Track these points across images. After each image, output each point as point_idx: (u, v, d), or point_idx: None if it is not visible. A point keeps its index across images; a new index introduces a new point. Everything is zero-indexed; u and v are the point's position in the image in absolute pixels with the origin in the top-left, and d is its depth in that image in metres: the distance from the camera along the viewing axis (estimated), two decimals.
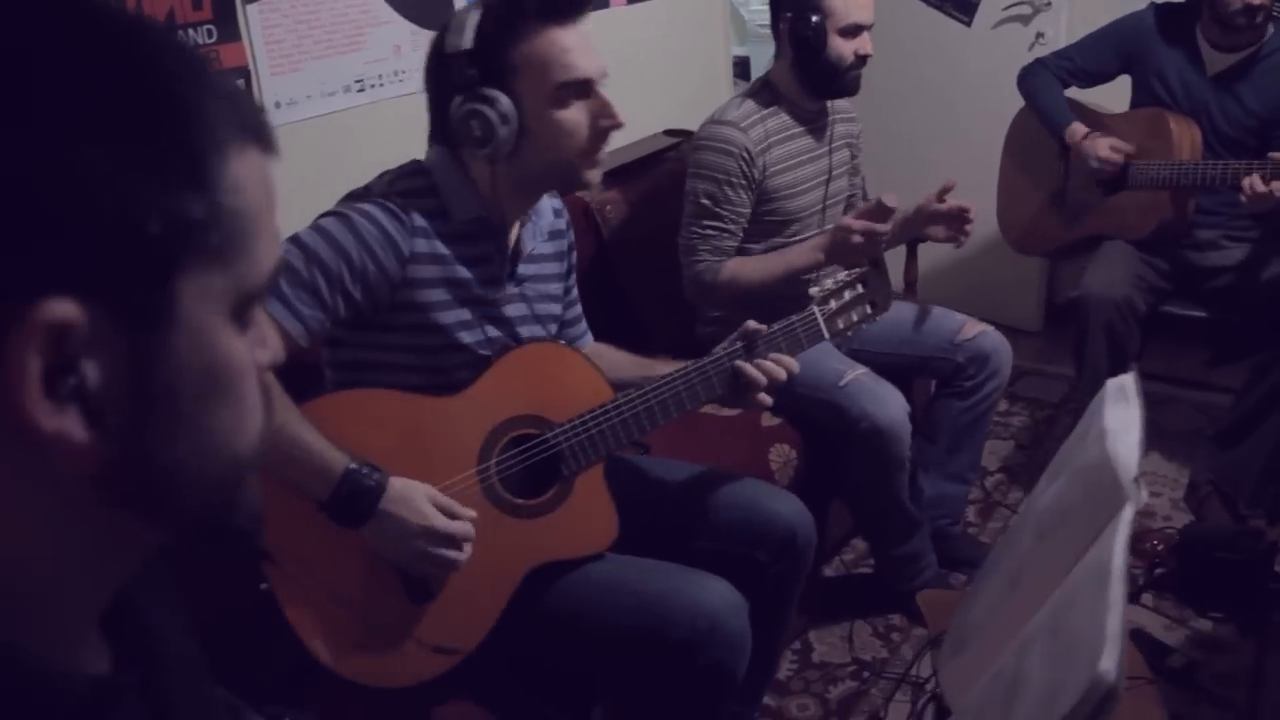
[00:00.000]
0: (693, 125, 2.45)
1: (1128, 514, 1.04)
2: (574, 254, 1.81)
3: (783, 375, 1.61)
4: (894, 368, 2.37)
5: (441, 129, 1.54)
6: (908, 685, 2.23)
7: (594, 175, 1.56)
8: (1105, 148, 2.67)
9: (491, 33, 1.45)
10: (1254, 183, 2.37)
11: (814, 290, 1.71)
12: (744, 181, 2.23)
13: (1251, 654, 2.08)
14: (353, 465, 1.39)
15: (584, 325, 1.87)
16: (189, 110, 0.51)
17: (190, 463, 0.53)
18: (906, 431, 2.23)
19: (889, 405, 2.21)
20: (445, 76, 1.49)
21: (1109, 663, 0.86)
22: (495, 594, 1.54)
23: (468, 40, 1.45)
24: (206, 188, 0.50)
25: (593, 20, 2.78)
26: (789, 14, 2.24)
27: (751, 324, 1.64)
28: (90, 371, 0.48)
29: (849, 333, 1.73)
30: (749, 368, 1.60)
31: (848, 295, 1.71)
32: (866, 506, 2.39)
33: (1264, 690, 2.07)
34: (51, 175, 0.46)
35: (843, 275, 1.73)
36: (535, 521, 1.56)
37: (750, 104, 2.30)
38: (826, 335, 1.69)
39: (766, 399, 1.62)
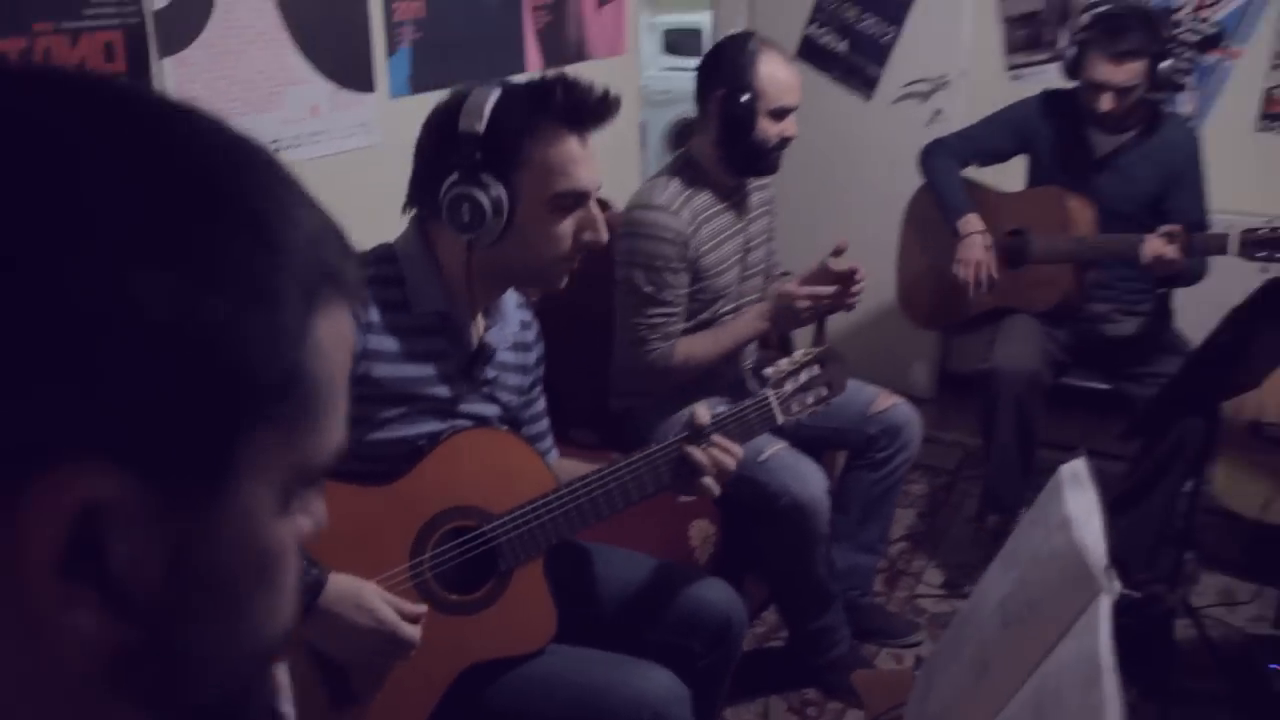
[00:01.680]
0: (602, 191, 2.43)
1: (1105, 605, 1.04)
2: (541, 368, 1.74)
3: (732, 465, 1.56)
4: (808, 440, 2.38)
5: (422, 198, 1.49)
6: None
7: (563, 281, 1.54)
8: (977, 264, 2.76)
9: (507, 124, 1.41)
10: (1154, 245, 2.49)
11: (768, 371, 1.68)
12: (682, 265, 2.22)
13: (1155, 717, 2.14)
14: None
15: (549, 441, 1.80)
16: (279, 249, 0.42)
17: (219, 655, 0.45)
18: (825, 506, 2.23)
19: (809, 481, 2.21)
20: (446, 151, 1.42)
21: None
22: (425, 694, 1.45)
23: (481, 124, 1.40)
24: (288, 347, 0.42)
25: None
26: (720, 90, 2.24)
27: (700, 411, 1.58)
28: (117, 552, 0.39)
29: (802, 416, 1.69)
30: (699, 455, 1.54)
31: (804, 377, 1.67)
32: (783, 580, 2.37)
33: None
34: (105, 304, 0.38)
35: (798, 355, 1.70)
36: (470, 619, 1.49)
37: (675, 184, 2.27)
38: (780, 420, 1.65)
39: (715, 487, 1.57)
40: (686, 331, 2.30)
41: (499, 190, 1.41)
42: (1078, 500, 1.22)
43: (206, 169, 0.42)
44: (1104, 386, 2.83)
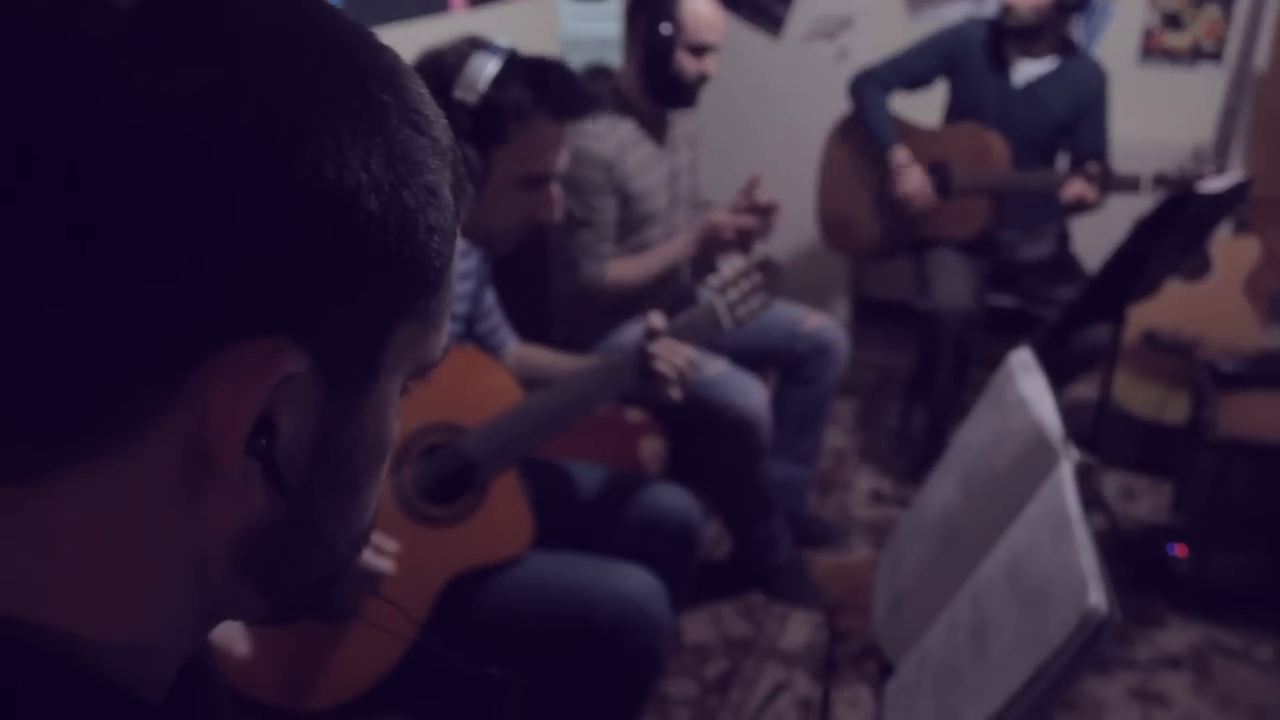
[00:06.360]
0: None
1: (1067, 469, 1.15)
2: (487, 265, 1.78)
3: (686, 366, 1.64)
4: (742, 360, 2.47)
5: None
6: (778, 659, 2.35)
7: (509, 247, 1.63)
8: (916, 186, 2.91)
9: (499, 102, 1.46)
10: (1075, 188, 2.69)
11: (713, 279, 1.76)
12: (608, 188, 2.28)
13: None
14: None
15: (505, 330, 1.86)
16: (442, 152, 0.44)
17: (333, 535, 0.47)
18: (768, 420, 2.34)
19: (751, 395, 2.31)
20: None
21: (1097, 596, 0.96)
22: (415, 606, 1.51)
23: (473, 95, 1.45)
24: (448, 245, 0.44)
25: (431, 24, 2.77)
26: (643, 18, 2.30)
27: (655, 318, 1.67)
28: (284, 429, 0.41)
29: (748, 320, 1.78)
30: (661, 363, 1.62)
31: (745, 284, 1.75)
32: (729, 492, 2.48)
33: None
34: (328, 192, 0.39)
35: (739, 263, 1.78)
36: (452, 529, 1.54)
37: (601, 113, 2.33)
38: (726, 324, 1.74)
39: (677, 392, 1.65)
40: (621, 255, 2.36)
41: (476, 161, 1.47)
42: (1029, 383, 1.33)
43: (390, 70, 0.43)
44: (1012, 306, 3.00)
